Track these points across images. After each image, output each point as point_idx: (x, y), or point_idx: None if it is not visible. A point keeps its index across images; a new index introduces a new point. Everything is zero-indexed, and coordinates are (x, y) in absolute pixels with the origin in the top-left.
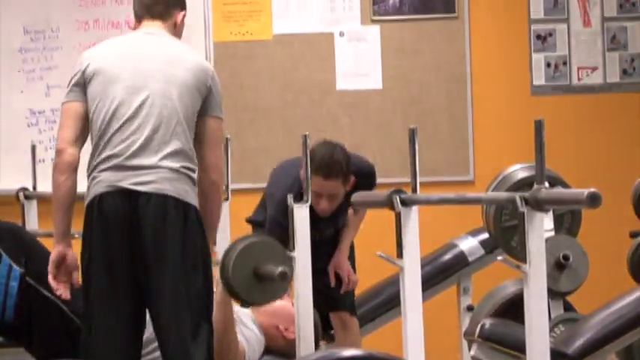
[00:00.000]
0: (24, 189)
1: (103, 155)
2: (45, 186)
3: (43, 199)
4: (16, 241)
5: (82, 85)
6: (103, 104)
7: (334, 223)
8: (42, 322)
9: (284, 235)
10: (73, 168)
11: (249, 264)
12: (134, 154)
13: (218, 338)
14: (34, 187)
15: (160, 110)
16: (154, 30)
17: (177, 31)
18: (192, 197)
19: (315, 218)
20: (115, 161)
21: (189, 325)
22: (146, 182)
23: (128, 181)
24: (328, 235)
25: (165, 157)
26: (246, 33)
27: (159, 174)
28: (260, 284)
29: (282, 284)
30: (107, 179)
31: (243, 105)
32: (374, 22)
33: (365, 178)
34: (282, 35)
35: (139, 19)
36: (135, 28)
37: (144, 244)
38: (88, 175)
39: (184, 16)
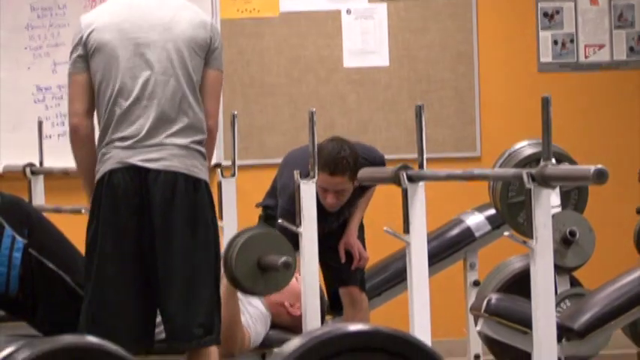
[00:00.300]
0: (31, 164)
1: (113, 136)
2: (51, 162)
3: (49, 175)
4: (19, 213)
5: (84, 56)
6: (106, 85)
7: (342, 215)
8: (45, 294)
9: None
10: (91, 139)
11: (253, 255)
12: (143, 137)
13: (224, 330)
14: (41, 163)
15: (163, 89)
16: None
17: None
18: (202, 172)
19: (322, 214)
20: (125, 143)
21: (198, 302)
22: (155, 159)
23: (137, 158)
24: (335, 227)
25: (173, 135)
26: (253, 10)
27: (167, 151)
28: (264, 275)
29: (285, 274)
30: (117, 155)
31: (250, 82)
32: None
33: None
34: (288, 12)
35: None
36: None
37: (152, 221)
38: (97, 150)
39: None
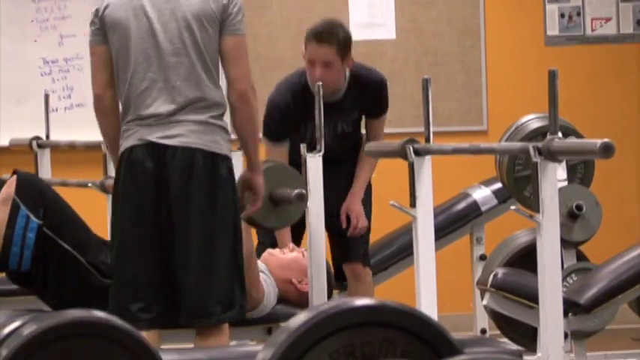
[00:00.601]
0: (37, 138)
1: (133, 115)
2: (58, 135)
3: (55, 148)
4: (34, 192)
5: (103, 30)
6: (123, 65)
7: (344, 165)
8: (57, 272)
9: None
10: (114, 110)
11: (265, 189)
12: (161, 115)
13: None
14: (47, 136)
15: (177, 69)
16: None
17: None
18: (222, 147)
19: (330, 113)
20: (144, 121)
21: (216, 279)
22: (173, 136)
23: (156, 135)
24: (341, 185)
25: (190, 111)
26: None
27: (185, 127)
28: (276, 208)
29: (298, 206)
30: (138, 132)
31: (256, 55)
32: None
33: (374, 87)
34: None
35: None
36: None
37: (170, 197)
38: (121, 125)
39: None
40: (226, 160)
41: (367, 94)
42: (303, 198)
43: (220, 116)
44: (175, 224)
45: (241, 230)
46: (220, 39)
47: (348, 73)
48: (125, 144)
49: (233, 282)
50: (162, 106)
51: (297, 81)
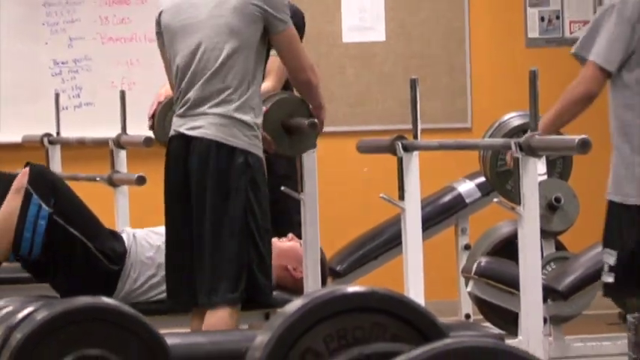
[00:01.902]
0: (48, 135)
1: (176, 109)
2: (67, 132)
3: (65, 145)
4: (46, 182)
5: (160, 33)
6: (172, 65)
7: None
8: (67, 258)
9: None
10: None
11: (278, 118)
12: (190, 106)
13: None
14: (58, 133)
15: (213, 64)
16: None
17: None
18: (241, 140)
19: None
20: (179, 111)
21: (223, 263)
22: (196, 127)
23: (185, 127)
24: None
25: (215, 105)
26: None
27: (207, 119)
28: (290, 136)
29: (311, 135)
30: (174, 124)
31: None
32: None
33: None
34: None
35: None
36: None
37: (191, 182)
38: None
39: None
40: (244, 152)
41: None
42: (315, 127)
43: (246, 109)
44: (196, 207)
45: (260, 213)
46: (272, 38)
47: None
48: (169, 135)
49: (239, 267)
50: (192, 97)
51: None
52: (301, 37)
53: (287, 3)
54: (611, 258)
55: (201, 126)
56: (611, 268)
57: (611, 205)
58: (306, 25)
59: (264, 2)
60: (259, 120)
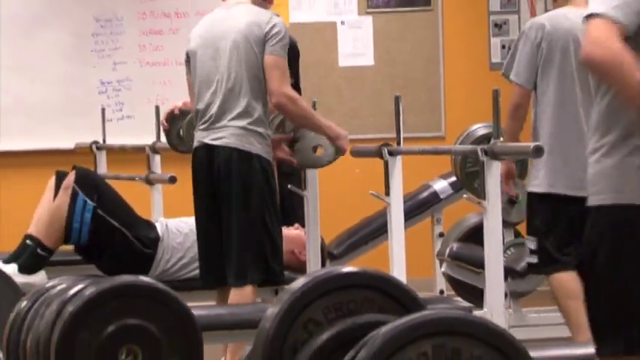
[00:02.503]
0: (96, 142)
1: (197, 124)
2: (112, 140)
3: (110, 150)
4: (90, 182)
5: (188, 61)
6: (195, 87)
7: None
8: (109, 244)
9: None
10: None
11: (310, 144)
12: (212, 121)
13: None
14: (104, 141)
15: (227, 85)
16: (236, 1)
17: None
18: (256, 148)
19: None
20: (201, 127)
21: (245, 251)
22: (219, 138)
23: (208, 138)
24: None
25: (233, 119)
26: None
27: (228, 131)
28: (293, 142)
29: (332, 159)
30: (198, 137)
31: None
32: (368, 13)
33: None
34: (296, 23)
35: None
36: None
37: (217, 184)
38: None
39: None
40: (259, 157)
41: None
42: (339, 153)
43: (258, 123)
44: (222, 204)
45: (273, 208)
46: (264, 56)
47: None
48: (193, 145)
49: (261, 253)
50: (214, 114)
51: None
52: (297, 61)
53: (287, 42)
54: (532, 243)
55: (224, 137)
56: (533, 252)
57: (527, 195)
58: (300, 52)
59: (268, 29)
60: (270, 131)
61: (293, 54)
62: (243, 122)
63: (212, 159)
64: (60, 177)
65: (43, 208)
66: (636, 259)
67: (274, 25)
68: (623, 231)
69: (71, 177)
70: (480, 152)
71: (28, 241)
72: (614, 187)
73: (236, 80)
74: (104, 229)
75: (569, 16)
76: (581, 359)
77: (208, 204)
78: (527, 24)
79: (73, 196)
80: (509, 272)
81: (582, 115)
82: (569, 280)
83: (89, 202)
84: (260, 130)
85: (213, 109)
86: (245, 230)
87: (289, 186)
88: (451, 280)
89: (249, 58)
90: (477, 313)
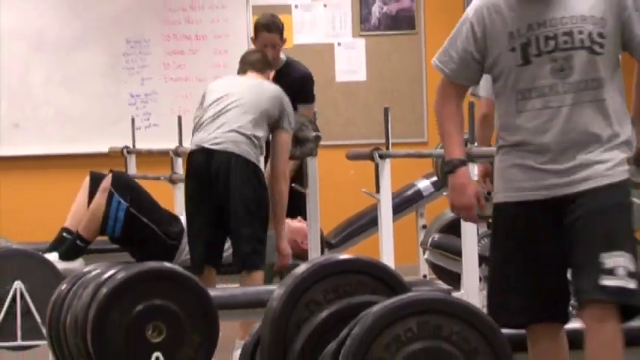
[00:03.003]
0: (126, 147)
1: (196, 132)
2: (140, 145)
3: (139, 154)
4: (124, 184)
5: (202, 103)
6: (201, 109)
7: None
8: (140, 237)
9: None
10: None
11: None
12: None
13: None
14: (133, 146)
15: (230, 109)
16: (251, 76)
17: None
18: (251, 156)
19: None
20: (200, 135)
21: (247, 237)
22: (218, 143)
23: (207, 143)
24: None
25: (234, 130)
26: None
27: (228, 138)
28: (300, 144)
29: (315, 144)
30: (195, 141)
31: None
32: (361, 36)
33: (299, 84)
34: (300, 45)
35: (244, 70)
36: (239, 74)
37: (216, 185)
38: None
39: (271, 74)
40: (254, 164)
41: (294, 87)
42: (319, 139)
43: (255, 139)
44: (222, 202)
45: (264, 205)
46: (273, 131)
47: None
48: (189, 149)
49: (260, 243)
50: (217, 129)
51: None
52: (313, 96)
53: (287, 117)
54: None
55: (223, 142)
56: None
57: None
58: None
59: (281, 106)
60: (262, 143)
61: (312, 82)
62: (246, 132)
63: (209, 162)
64: (93, 177)
65: (78, 204)
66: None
67: (283, 101)
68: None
69: (108, 180)
70: None
71: (65, 234)
72: (496, 188)
73: (239, 115)
74: (136, 225)
75: None
76: None
77: (203, 200)
78: None
79: (109, 197)
80: (483, 259)
81: None
82: None
83: (122, 202)
84: (256, 142)
85: (217, 129)
86: (246, 225)
87: (293, 185)
88: (433, 266)
89: (260, 113)
90: (455, 294)
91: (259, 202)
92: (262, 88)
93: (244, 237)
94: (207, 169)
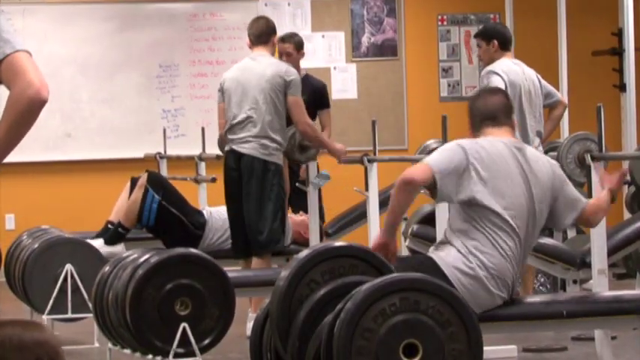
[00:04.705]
0: (159, 153)
1: (229, 135)
2: (170, 151)
3: (169, 159)
4: (157, 182)
5: (222, 92)
6: (229, 112)
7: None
8: (170, 227)
9: None
10: (223, 138)
11: (295, 140)
12: (241, 133)
13: None
14: (165, 152)
15: (252, 115)
16: (258, 54)
17: (272, 49)
18: (273, 157)
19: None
20: (231, 137)
21: (264, 229)
22: (244, 147)
23: (236, 145)
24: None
25: (256, 136)
26: None
27: (251, 143)
28: (302, 151)
29: (316, 151)
30: (229, 143)
31: None
32: (353, 61)
33: (318, 93)
34: (302, 68)
35: (252, 45)
36: (251, 49)
37: (242, 183)
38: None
39: (275, 36)
40: (275, 165)
41: (313, 100)
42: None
43: (276, 142)
44: (244, 198)
45: (282, 201)
46: (285, 98)
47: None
48: (225, 149)
49: (274, 230)
50: (242, 131)
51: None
52: (329, 101)
53: (300, 86)
54: None
55: (247, 146)
56: None
57: None
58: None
59: (286, 79)
60: (284, 142)
61: (327, 91)
62: (265, 136)
63: (237, 162)
64: (133, 181)
65: (121, 201)
66: None
67: (291, 75)
68: None
69: (144, 178)
70: None
71: (109, 225)
72: None
73: (259, 114)
74: (166, 216)
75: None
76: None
77: (237, 195)
78: None
79: (145, 192)
80: None
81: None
82: None
83: (156, 196)
84: (275, 145)
85: (242, 131)
86: (265, 216)
87: (297, 184)
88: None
89: (277, 98)
90: None
91: (277, 197)
92: (264, 74)
93: (264, 226)
94: (234, 169)
